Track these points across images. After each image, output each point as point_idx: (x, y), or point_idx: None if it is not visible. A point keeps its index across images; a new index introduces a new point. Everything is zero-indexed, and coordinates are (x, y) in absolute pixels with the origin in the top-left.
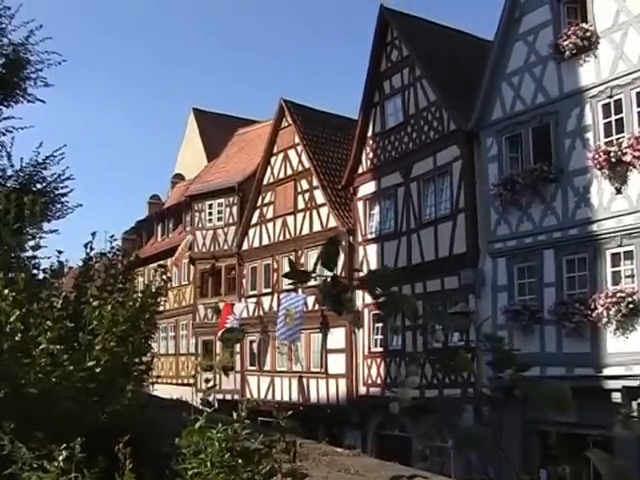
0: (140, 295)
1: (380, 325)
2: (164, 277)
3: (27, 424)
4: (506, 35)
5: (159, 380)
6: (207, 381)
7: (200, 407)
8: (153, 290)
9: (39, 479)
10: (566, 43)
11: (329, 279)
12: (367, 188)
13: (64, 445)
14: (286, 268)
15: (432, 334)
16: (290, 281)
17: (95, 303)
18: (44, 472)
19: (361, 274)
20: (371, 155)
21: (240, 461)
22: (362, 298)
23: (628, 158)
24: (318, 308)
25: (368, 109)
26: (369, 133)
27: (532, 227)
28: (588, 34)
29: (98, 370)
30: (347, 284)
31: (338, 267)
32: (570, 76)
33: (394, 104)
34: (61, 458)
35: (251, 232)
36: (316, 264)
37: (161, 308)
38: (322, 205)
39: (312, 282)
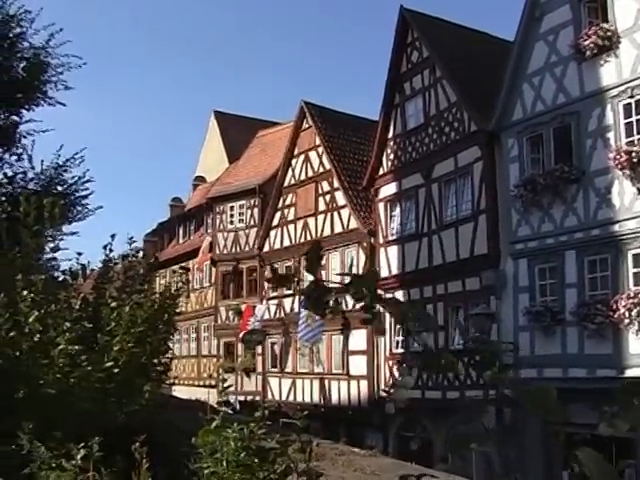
0: (158, 296)
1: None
2: (183, 278)
3: (46, 424)
4: (526, 35)
5: (181, 382)
6: (224, 381)
7: (217, 407)
8: (172, 291)
9: (57, 478)
10: (587, 43)
11: (310, 283)
12: (388, 189)
13: (82, 444)
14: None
15: (416, 338)
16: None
17: (113, 304)
18: (62, 471)
19: (382, 274)
20: (392, 156)
21: (256, 460)
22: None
23: None
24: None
25: (389, 110)
26: (390, 134)
27: (553, 228)
28: (609, 34)
29: (116, 371)
30: (327, 287)
31: (358, 262)
32: (591, 76)
33: (415, 105)
34: (79, 457)
35: (272, 234)
36: (297, 269)
37: (182, 310)
38: (343, 207)
39: (333, 284)
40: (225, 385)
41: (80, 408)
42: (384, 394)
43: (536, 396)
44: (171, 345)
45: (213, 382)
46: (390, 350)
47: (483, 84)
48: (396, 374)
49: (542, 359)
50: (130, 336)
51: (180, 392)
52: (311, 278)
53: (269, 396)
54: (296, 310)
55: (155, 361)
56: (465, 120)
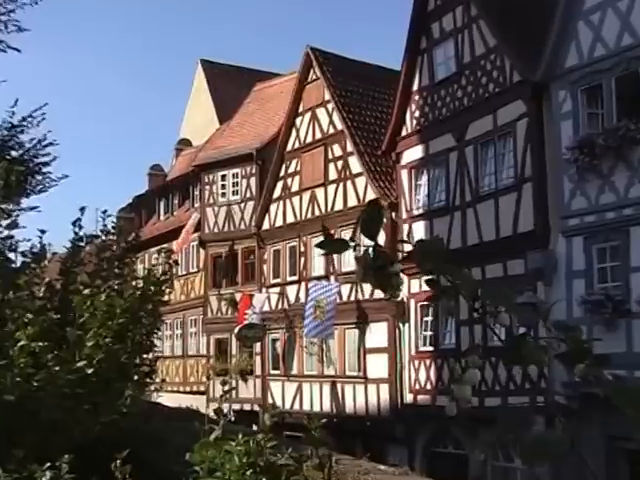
0: (141, 282)
1: (429, 319)
2: (170, 261)
3: (3, 439)
4: None
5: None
6: (224, 383)
7: (214, 417)
8: (157, 276)
9: None
10: None
11: (370, 249)
12: (412, 154)
13: (48, 464)
14: (315, 251)
15: (494, 317)
16: (323, 251)
17: (86, 292)
18: None
19: (408, 248)
20: (417, 114)
21: (265, 479)
22: (407, 287)
23: None
24: (355, 299)
25: (413, 58)
26: (414, 87)
27: (616, 199)
28: None
29: (90, 372)
30: (393, 255)
31: (380, 237)
32: None
33: (444, 51)
34: None
35: (273, 208)
36: (354, 232)
37: (166, 298)
38: (358, 175)
39: (347, 268)
40: (226, 389)
41: (46, 419)
42: (409, 401)
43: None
44: (157, 341)
45: (202, 388)
46: (416, 347)
47: (529, 24)
48: (422, 377)
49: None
50: (107, 330)
51: (163, 400)
52: (369, 243)
53: (271, 408)
54: (302, 300)
55: (138, 360)
56: (506, 68)
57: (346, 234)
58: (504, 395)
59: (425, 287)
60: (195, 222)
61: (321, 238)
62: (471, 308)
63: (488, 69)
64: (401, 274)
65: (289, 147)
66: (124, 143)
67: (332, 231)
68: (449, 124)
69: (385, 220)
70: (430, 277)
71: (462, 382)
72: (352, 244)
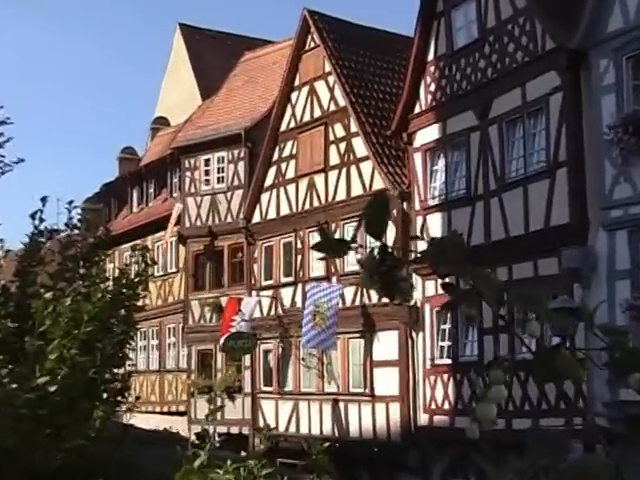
0: (112, 284)
1: (447, 327)
2: (146, 259)
3: None
4: None
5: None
6: (210, 401)
7: (197, 442)
8: (131, 277)
9: None
10: None
11: (376, 250)
12: (427, 134)
13: None
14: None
15: (523, 326)
16: (321, 255)
17: (48, 295)
18: None
19: (421, 246)
20: (433, 87)
21: None
22: (421, 289)
23: None
24: (360, 303)
25: (428, 22)
26: (430, 56)
27: None
28: None
29: (52, 389)
30: (401, 257)
31: (387, 236)
32: None
33: (465, 14)
34: None
35: (264, 198)
36: (357, 230)
37: (141, 303)
38: (364, 159)
39: (351, 267)
40: (212, 407)
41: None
42: (424, 422)
43: None
44: (131, 353)
45: (182, 407)
46: (432, 360)
47: None
48: (439, 394)
49: None
50: (72, 340)
51: (138, 421)
52: (374, 243)
53: (264, 428)
54: (298, 305)
55: (108, 375)
56: (538, 34)
57: (350, 228)
58: (535, 416)
59: (442, 290)
60: (178, 213)
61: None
62: (496, 315)
63: (516, 35)
64: (414, 275)
65: (283, 127)
66: (91, 122)
67: (333, 225)
68: (470, 99)
69: (395, 213)
70: (447, 280)
71: (486, 400)
72: (354, 245)
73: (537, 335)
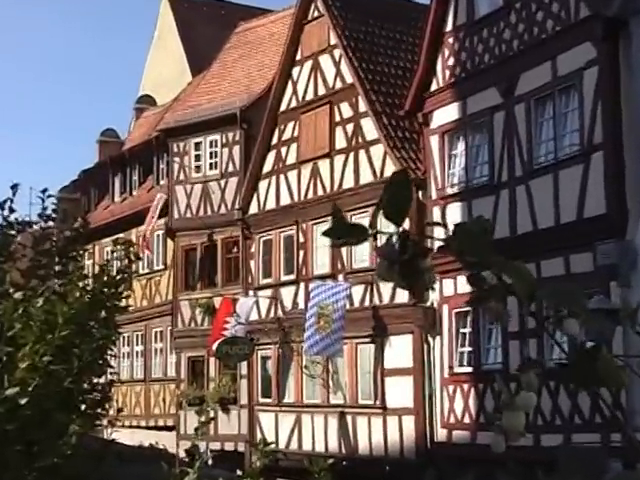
0: (91, 282)
1: (468, 331)
2: (130, 254)
3: None
4: None
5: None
6: (200, 413)
7: (187, 459)
8: (113, 274)
9: None
10: None
11: (396, 237)
12: (445, 114)
13: None
14: (319, 242)
15: (557, 324)
16: (332, 243)
17: (18, 295)
18: None
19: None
20: (451, 62)
21: None
22: (439, 289)
23: None
24: (370, 304)
25: None
26: (448, 27)
27: None
28: None
29: (23, 402)
30: (424, 245)
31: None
32: None
33: None
34: None
35: (262, 186)
36: (374, 215)
37: (124, 304)
38: (374, 142)
39: (360, 264)
40: (203, 419)
41: None
42: (442, 438)
43: None
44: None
45: (170, 421)
46: (450, 368)
47: None
48: (459, 406)
49: None
50: (46, 346)
51: (121, 436)
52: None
53: (260, 444)
54: (301, 306)
55: (86, 385)
56: (571, 0)
57: (359, 221)
58: (567, 431)
59: (462, 289)
60: (161, 204)
61: (327, 224)
62: (526, 313)
63: (546, 1)
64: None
65: (283, 106)
66: (67, 102)
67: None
68: (493, 75)
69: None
70: (473, 272)
71: (513, 408)
72: (371, 231)
73: (576, 334)
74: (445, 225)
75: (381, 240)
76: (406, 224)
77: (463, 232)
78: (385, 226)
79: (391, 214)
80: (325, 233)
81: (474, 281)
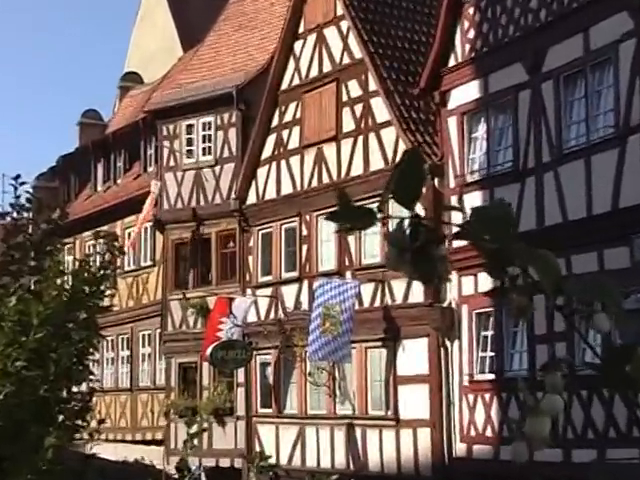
0: (70, 280)
1: (489, 334)
2: (113, 248)
3: None
4: None
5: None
6: (190, 424)
7: (176, 476)
8: (94, 270)
9: None
10: None
11: (407, 221)
12: (465, 93)
13: None
14: (324, 235)
15: (587, 320)
16: (337, 228)
17: None
18: None
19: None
20: (471, 34)
21: None
22: (457, 287)
23: None
24: (381, 304)
25: None
26: None
27: None
28: None
29: None
30: (439, 232)
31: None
32: None
33: None
34: None
35: (262, 174)
36: (385, 198)
37: (106, 303)
38: (385, 124)
39: (369, 260)
40: (193, 430)
41: None
42: (461, 453)
43: None
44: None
45: (159, 435)
46: (470, 375)
47: None
48: (480, 418)
49: None
50: (19, 350)
51: (103, 451)
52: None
53: (257, 458)
54: (304, 306)
55: (65, 394)
56: None
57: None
58: (601, 446)
59: (482, 287)
60: (155, 195)
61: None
62: (551, 307)
63: None
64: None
65: (285, 85)
66: (45, 80)
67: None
68: (518, 49)
69: (424, 190)
70: (493, 261)
71: (537, 413)
72: (380, 215)
73: (606, 330)
74: (462, 209)
75: (392, 226)
76: (421, 213)
77: (482, 216)
78: (397, 211)
79: (402, 197)
80: (330, 217)
81: (493, 270)
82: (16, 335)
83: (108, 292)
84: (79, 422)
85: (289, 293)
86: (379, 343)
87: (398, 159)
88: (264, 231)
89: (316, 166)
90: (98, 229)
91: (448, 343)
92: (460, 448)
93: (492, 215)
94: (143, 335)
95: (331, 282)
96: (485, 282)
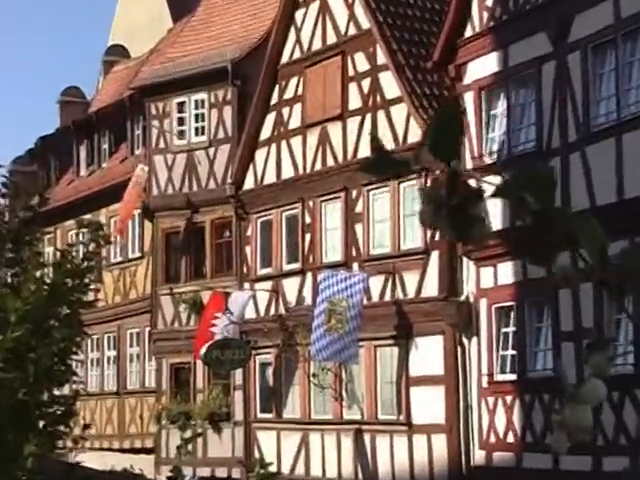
0: (51, 272)
1: (511, 330)
2: (98, 237)
3: None
4: None
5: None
6: (183, 428)
7: None
8: (77, 262)
9: None
10: None
11: (443, 174)
12: (483, 66)
13: None
14: (329, 223)
15: (634, 294)
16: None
17: None
18: None
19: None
20: (490, 1)
21: None
22: (475, 280)
23: None
24: (392, 298)
25: None
26: None
27: None
28: None
29: None
30: (475, 187)
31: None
32: None
33: None
34: None
35: (260, 156)
36: (420, 150)
37: (91, 298)
38: (395, 101)
39: (378, 250)
40: (187, 435)
41: None
42: (480, 462)
43: None
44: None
45: (148, 442)
46: (490, 376)
47: None
48: (501, 423)
49: None
50: None
51: (88, 459)
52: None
53: (257, 465)
54: (307, 301)
55: (46, 398)
56: None
57: (378, 199)
58: (634, 453)
59: (503, 280)
60: (144, 176)
61: (339, 202)
62: (593, 280)
63: None
64: (465, 261)
65: (285, 58)
66: (20, 54)
67: (354, 192)
68: (541, 17)
69: (438, 173)
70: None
71: (578, 400)
72: (416, 166)
73: None
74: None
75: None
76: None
77: (524, 174)
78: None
79: (438, 149)
80: (363, 167)
81: (530, 231)
82: None
83: (92, 286)
84: (61, 428)
85: (291, 287)
86: (390, 341)
87: (412, 144)
88: (263, 219)
89: (320, 147)
90: (81, 217)
91: (465, 341)
92: (479, 456)
93: (535, 175)
94: (131, 333)
95: (337, 275)
96: (506, 273)
